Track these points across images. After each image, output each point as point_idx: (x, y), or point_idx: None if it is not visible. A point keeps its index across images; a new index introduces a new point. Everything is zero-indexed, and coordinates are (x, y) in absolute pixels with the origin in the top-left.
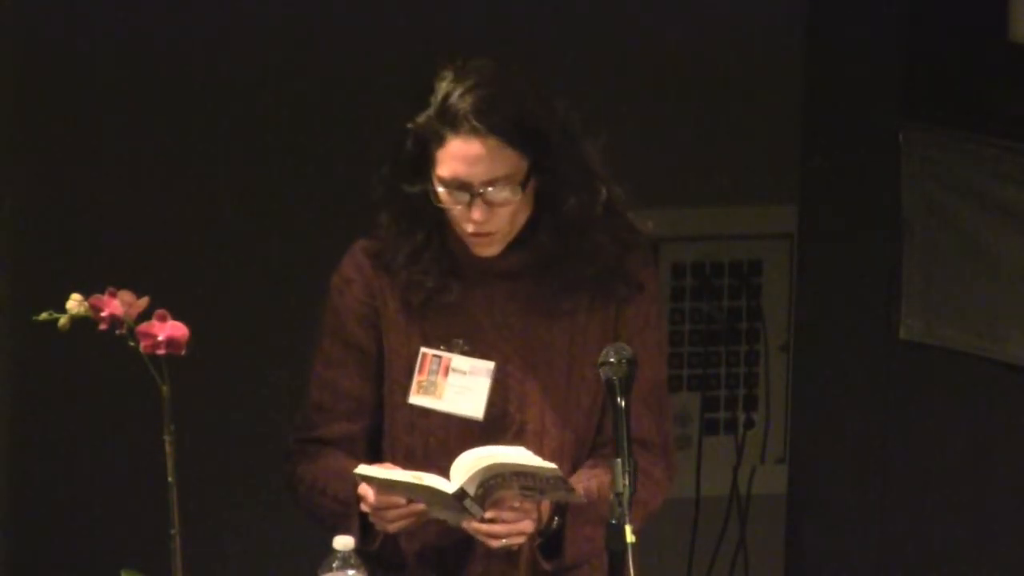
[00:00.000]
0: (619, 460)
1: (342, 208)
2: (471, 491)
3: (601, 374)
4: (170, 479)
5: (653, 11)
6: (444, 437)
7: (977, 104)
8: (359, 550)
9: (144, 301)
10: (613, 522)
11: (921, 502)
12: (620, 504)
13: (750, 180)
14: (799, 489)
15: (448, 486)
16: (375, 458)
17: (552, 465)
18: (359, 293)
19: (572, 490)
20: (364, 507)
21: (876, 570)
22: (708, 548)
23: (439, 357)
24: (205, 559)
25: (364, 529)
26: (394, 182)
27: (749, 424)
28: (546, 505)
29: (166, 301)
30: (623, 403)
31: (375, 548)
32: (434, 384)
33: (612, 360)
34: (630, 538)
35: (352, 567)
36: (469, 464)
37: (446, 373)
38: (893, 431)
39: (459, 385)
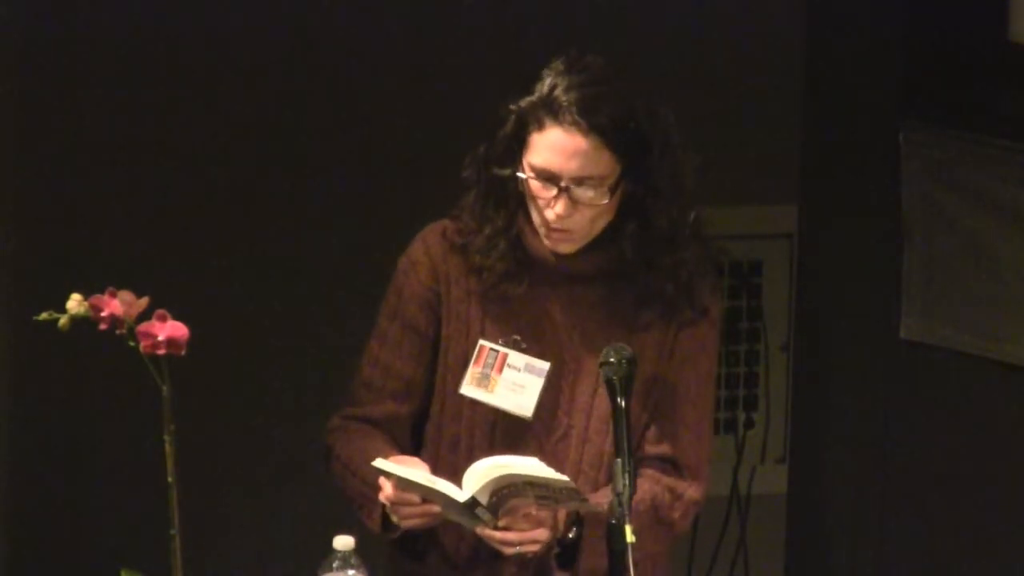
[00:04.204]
0: (619, 460)
1: (343, 208)
2: (483, 500)
3: (601, 374)
4: (170, 479)
5: (653, 11)
6: (490, 431)
7: (977, 104)
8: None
9: (144, 301)
10: (613, 522)
11: (921, 502)
12: (620, 504)
13: (750, 180)
14: (799, 489)
15: (460, 494)
16: (418, 444)
17: (564, 477)
18: (424, 277)
19: (586, 500)
20: (382, 498)
21: (876, 570)
22: (708, 548)
23: (496, 351)
24: (205, 559)
25: (386, 516)
26: (486, 163)
27: (749, 424)
28: (563, 515)
29: (166, 301)
30: (623, 403)
31: (396, 536)
32: (487, 377)
33: (612, 360)
34: (630, 538)
35: (352, 567)
36: (481, 473)
37: (501, 368)
38: (893, 431)
39: (512, 382)
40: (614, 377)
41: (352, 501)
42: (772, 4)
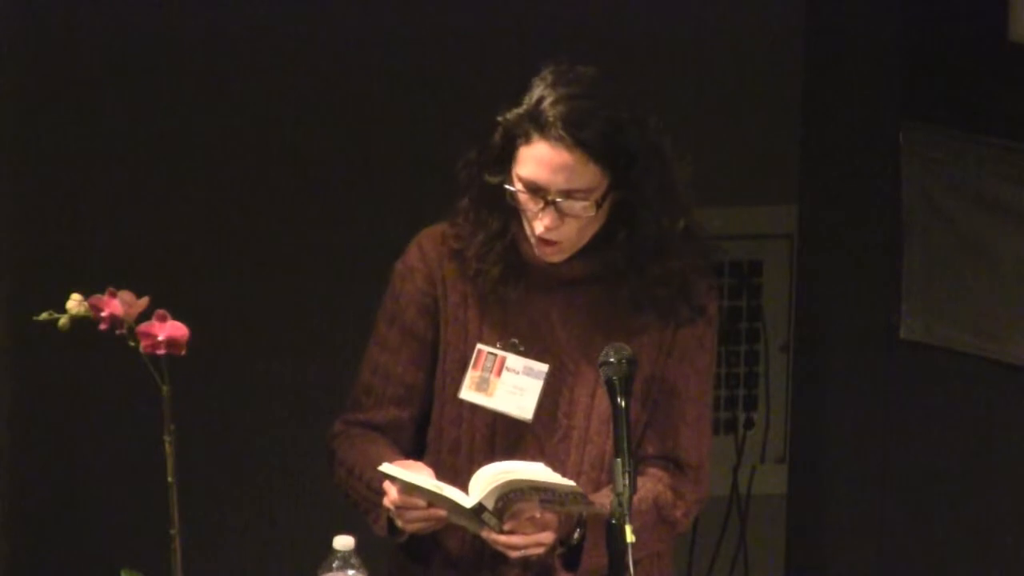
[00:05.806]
0: (619, 460)
1: (342, 208)
2: (489, 505)
3: (601, 374)
4: (170, 479)
5: (652, 11)
6: (490, 434)
7: (977, 104)
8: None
9: (144, 301)
10: (613, 522)
11: (921, 502)
12: (620, 504)
13: (750, 180)
14: (799, 489)
15: (466, 500)
16: (421, 447)
17: (570, 482)
18: (421, 282)
19: (592, 504)
20: (386, 502)
21: (876, 570)
22: (708, 548)
23: (494, 355)
24: (205, 559)
25: (392, 520)
26: (478, 168)
27: (749, 424)
28: (566, 517)
29: (166, 301)
30: (623, 403)
31: (403, 540)
32: (486, 381)
33: (612, 360)
34: (630, 538)
35: (352, 567)
36: (488, 479)
37: (499, 371)
38: (893, 431)
39: (511, 385)
40: (614, 377)
41: (357, 506)
42: (772, 4)
